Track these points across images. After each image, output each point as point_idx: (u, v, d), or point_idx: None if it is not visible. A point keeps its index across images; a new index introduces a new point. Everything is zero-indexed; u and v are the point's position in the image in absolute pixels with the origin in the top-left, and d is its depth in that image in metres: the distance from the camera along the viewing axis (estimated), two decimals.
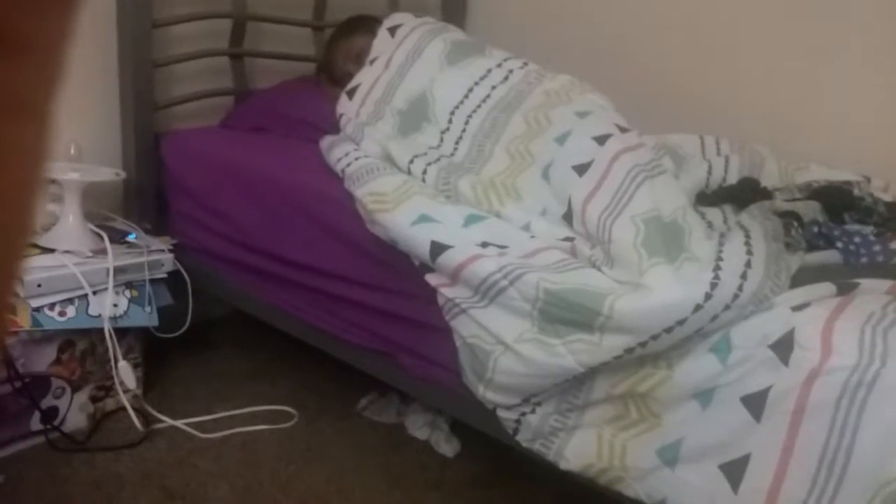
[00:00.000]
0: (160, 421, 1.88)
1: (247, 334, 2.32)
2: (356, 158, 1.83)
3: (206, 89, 2.26)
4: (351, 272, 1.73)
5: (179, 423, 1.88)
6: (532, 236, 1.56)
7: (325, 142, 1.98)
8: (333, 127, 2.05)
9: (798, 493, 1.17)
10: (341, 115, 2.05)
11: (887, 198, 1.77)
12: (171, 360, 2.13)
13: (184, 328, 2.00)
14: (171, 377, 2.09)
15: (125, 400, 1.85)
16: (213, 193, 1.99)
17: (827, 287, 1.33)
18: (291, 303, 1.86)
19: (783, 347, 1.23)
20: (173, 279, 1.97)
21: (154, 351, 2.03)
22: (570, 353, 1.35)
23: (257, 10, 2.27)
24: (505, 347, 1.42)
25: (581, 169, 1.61)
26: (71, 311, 1.76)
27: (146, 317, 1.87)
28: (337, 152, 1.88)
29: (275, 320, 1.94)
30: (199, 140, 2.14)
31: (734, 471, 1.24)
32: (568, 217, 1.58)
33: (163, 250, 1.95)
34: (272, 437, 1.90)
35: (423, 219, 1.57)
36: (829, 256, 1.49)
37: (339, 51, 2.25)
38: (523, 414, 1.45)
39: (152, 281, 1.90)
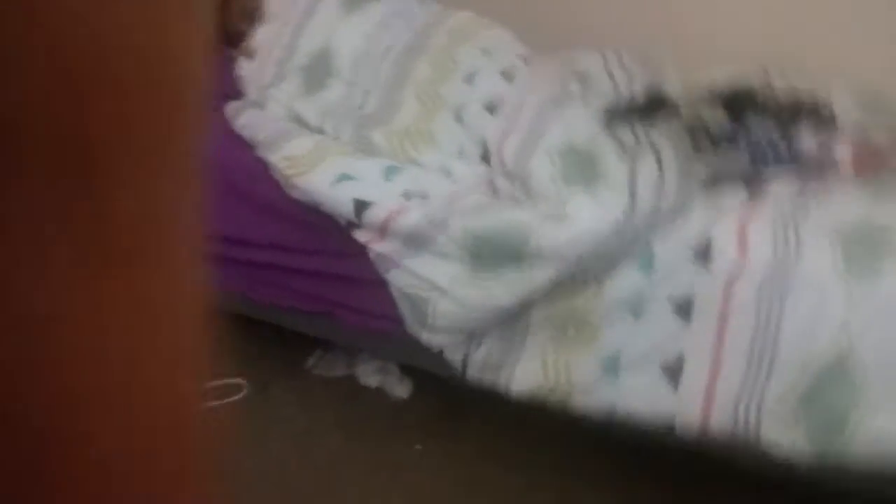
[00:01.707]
0: None
1: None
2: (264, 123, 1.80)
3: None
4: (277, 238, 1.72)
5: None
6: (452, 180, 1.58)
7: (231, 108, 1.94)
8: (235, 91, 2.01)
9: (734, 382, 1.26)
10: (242, 77, 2.01)
11: (786, 92, 1.82)
12: None
13: None
14: None
15: None
16: None
17: (738, 191, 1.40)
18: (224, 278, 1.84)
19: (703, 253, 1.30)
20: None
21: None
22: (504, 288, 1.39)
23: None
24: (441, 292, 1.45)
25: (492, 108, 1.63)
26: None
27: None
28: (243, 118, 1.85)
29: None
30: None
31: (672, 372, 1.32)
32: (485, 157, 1.60)
33: None
34: (227, 410, 1.89)
35: (343, 177, 1.57)
36: (736, 160, 1.55)
37: (232, 10, 2.18)
38: (469, 351, 1.50)
39: None
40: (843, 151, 1.54)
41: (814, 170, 1.49)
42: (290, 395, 1.97)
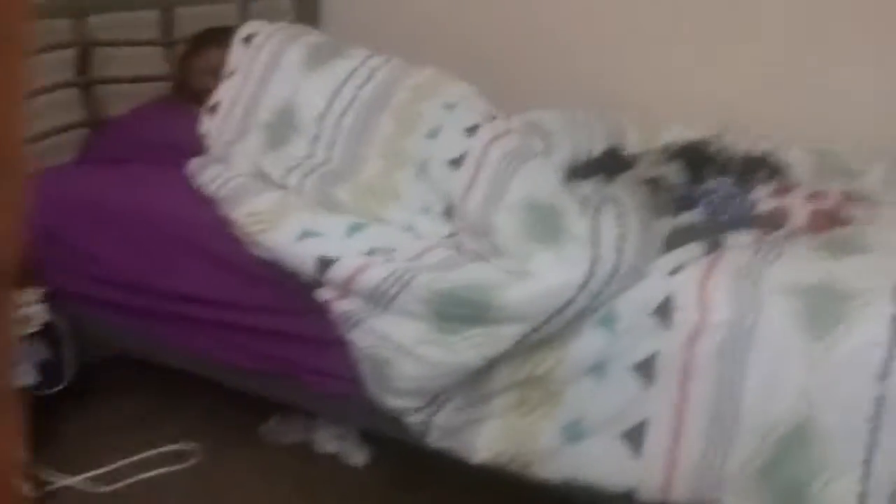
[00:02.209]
0: (55, 482, 1.79)
1: (132, 375, 2.21)
2: (228, 180, 1.79)
3: (56, 125, 2.15)
4: (236, 296, 1.70)
5: (78, 479, 1.79)
6: (417, 236, 1.58)
7: (193, 165, 1.92)
8: (198, 147, 2.00)
9: (695, 450, 1.25)
10: (205, 134, 2.00)
11: (741, 149, 1.86)
12: (56, 413, 2.02)
13: (64, 383, 1.90)
14: (59, 433, 1.97)
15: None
16: (80, 235, 1.90)
17: (696, 248, 1.41)
18: (178, 337, 1.80)
19: (663, 312, 1.30)
20: (47, 329, 1.87)
21: (36, 408, 1.92)
22: (469, 347, 1.38)
23: (101, 34, 2.18)
24: (404, 352, 1.43)
25: (456, 163, 1.63)
26: None
27: (25, 376, 1.78)
28: (207, 175, 1.84)
29: (163, 357, 1.88)
30: (56, 181, 2.04)
31: (634, 437, 1.30)
32: (449, 212, 1.60)
33: (32, 302, 1.86)
34: (177, 477, 1.83)
35: (306, 234, 1.56)
36: (695, 216, 1.57)
37: (193, 67, 2.19)
38: (430, 415, 1.47)
39: (26, 336, 1.81)
40: (799, 207, 1.56)
41: (771, 226, 1.51)
42: (245, 461, 1.92)
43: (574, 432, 1.36)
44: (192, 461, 1.89)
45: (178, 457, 1.90)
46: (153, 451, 1.90)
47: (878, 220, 1.46)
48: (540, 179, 1.55)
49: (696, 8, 2.18)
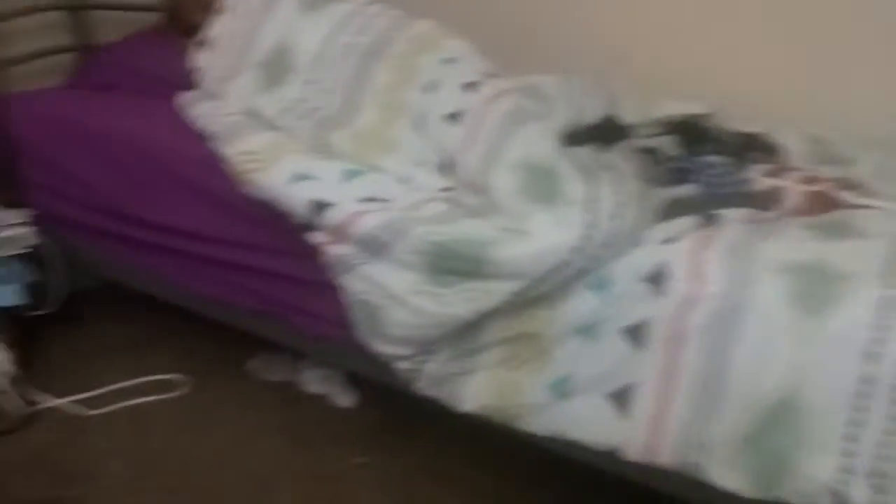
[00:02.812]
0: (41, 402, 1.80)
1: (123, 305, 2.22)
2: (220, 116, 1.77)
3: (45, 47, 2.10)
4: (227, 233, 1.69)
5: (63, 401, 1.80)
6: (413, 188, 1.58)
7: (185, 99, 1.90)
8: (188, 81, 1.97)
9: (681, 415, 1.28)
10: (197, 68, 1.97)
11: (736, 127, 1.89)
12: (47, 338, 2.02)
13: (52, 304, 1.89)
14: (49, 356, 1.99)
15: (2, 382, 1.75)
16: (70, 159, 1.88)
17: (691, 220, 1.43)
18: (168, 269, 1.80)
19: (657, 280, 1.32)
20: (37, 253, 1.86)
21: (27, 330, 1.92)
22: (461, 301, 1.39)
23: None
24: (396, 301, 1.44)
25: (453, 119, 1.63)
26: None
27: (12, 295, 1.77)
28: (199, 110, 1.82)
29: (152, 288, 1.88)
30: (45, 101, 2.00)
31: (621, 399, 1.34)
32: (444, 167, 1.60)
33: (21, 224, 1.83)
34: (163, 407, 1.86)
35: (300, 177, 1.56)
36: (690, 189, 1.59)
37: (187, 0, 2.14)
38: (420, 363, 1.49)
39: (14, 257, 1.79)
40: (793, 189, 1.60)
41: (764, 204, 1.54)
42: (231, 395, 1.94)
43: (561, 390, 1.38)
44: (178, 392, 1.90)
45: (165, 386, 1.91)
46: (140, 380, 1.91)
47: (870, 208, 1.49)
48: (538, 141, 1.56)
49: None
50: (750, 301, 1.25)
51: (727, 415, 1.25)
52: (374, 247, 1.46)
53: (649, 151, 1.68)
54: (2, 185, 1.96)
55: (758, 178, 1.60)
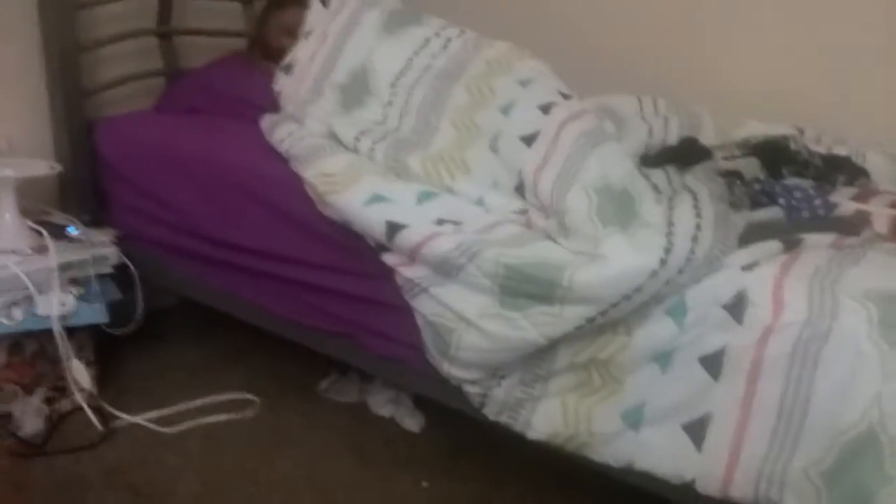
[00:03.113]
0: (119, 418, 1.85)
1: (197, 323, 2.28)
2: (300, 138, 1.80)
3: (135, 72, 2.19)
4: (304, 254, 1.72)
5: (139, 419, 1.85)
6: (486, 210, 1.57)
7: (266, 121, 1.94)
8: (271, 104, 2.01)
9: (759, 447, 1.23)
10: (279, 92, 2.02)
11: (821, 150, 1.82)
12: (124, 355, 2.09)
13: (135, 323, 1.95)
14: (125, 373, 2.05)
15: (81, 400, 1.81)
16: (154, 181, 1.94)
17: (773, 245, 1.38)
18: (244, 289, 1.84)
19: (736, 307, 1.28)
20: (119, 272, 1.92)
21: (105, 347, 1.99)
22: (533, 325, 1.37)
23: None
24: (468, 324, 1.43)
25: (529, 140, 1.62)
26: (17, 313, 1.71)
27: (96, 314, 1.83)
28: (280, 132, 1.85)
29: (228, 307, 1.92)
30: (133, 125, 2.08)
31: (696, 430, 1.29)
32: (520, 189, 1.59)
33: (106, 243, 1.90)
34: (235, 426, 1.89)
35: (376, 198, 1.57)
36: (772, 213, 1.54)
37: (272, 25, 2.20)
38: (489, 388, 1.47)
39: (98, 276, 1.85)
40: (879, 214, 1.53)
41: (849, 230, 1.48)
42: (301, 415, 1.96)
43: (634, 419, 1.35)
44: (250, 411, 1.93)
45: (237, 406, 1.94)
46: (213, 398, 1.95)
47: None
48: (614, 163, 1.53)
49: (787, 8, 2.12)
50: (833, 330, 1.19)
51: (807, 448, 1.20)
52: (447, 269, 1.45)
53: (730, 174, 1.63)
54: (89, 205, 2.05)
55: (843, 202, 1.54)
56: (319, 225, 1.65)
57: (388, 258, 1.54)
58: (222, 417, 1.90)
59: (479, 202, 1.60)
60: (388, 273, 1.55)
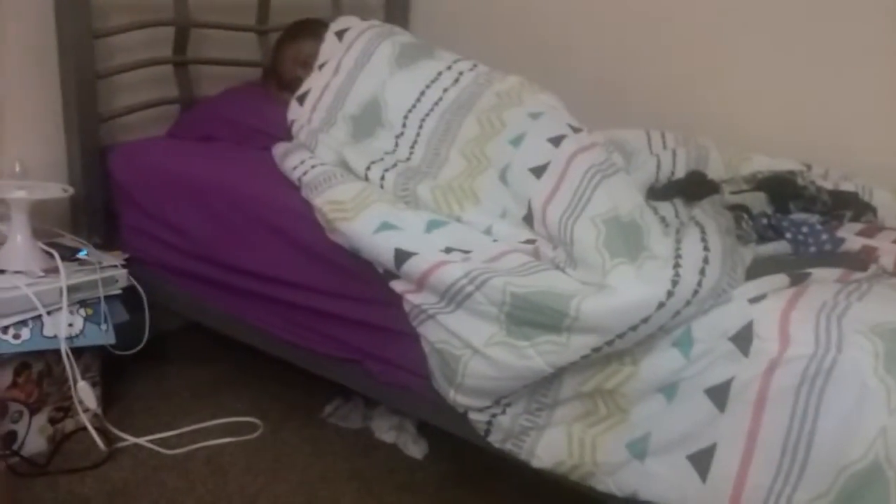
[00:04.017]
0: (123, 439, 1.85)
1: (203, 346, 2.29)
2: (312, 166, 1.82)
3: (150, 99, 2.22)
4: (311, 280, 1.73)
5: (143, 441, 1.85)
6: (494, 240, 1.58)
7: (279, 149, 1.96)
8: (284, 133, 2.04)
9: (764, 479, 1.22)
10: (293, 121, 2.04)
11: (828, 185, 1.84)
12: (129, 376, 2.10)
13: (142, 344, 1.96)
14: (130, 394, 2.06)
15: (86, 420, 1.82)
16: (164, 205, 1.96)
17: (780, 278, 1.38)
18: (251, 313, 1.85)
19: (743, 339, 1.28)
20: (127, 294, 1.93)
21: (111, 368, 1.99)
22: (539, 354, 1.37)
23: (199, 16, 2.24)
24: (474, 351, 1.44)
25: (538, 171, 1.64)
26: (25, 332, 1.72)
27: (103, 335, 1.84)
28: (291, 160, 1.87)
29: (234, 331, 1.93)
30: (146, 151, 2.11)
31: (701, 461, 1.29)
32: (528, 219, 1.60)
33: (116, 266, 1.91)
34: (238, 449, 1.89)
35: (385, 226, 1.58)
36: (779, 247, 1.55)
37: (287, 56, 2.24)
38: (494, 415, 1.47)
39: (107, 297, 1.86)
40: (886, 249, 1.53)
41: (856, 265, 1.48)
42: (304, 440, 1.96)
43: (639, 449, 1.34)
44: (254, 435, 1.93)
45: (241, 429, 1.95)
46: (217, 421, 1.95)
47: None
48: (623, 195, 1.54)
49: (791, 44, 2.15)
50: (839, 364, 1.19)
51: (812, 481, 1.19)
52: (454, 296, 1.46)
53: (738, 208, 1.64)
54: (100, 228, 2.07)
55: (850, 237, 1.55)
56: (328, 251, 1.66)
57: (396, 285, 1.55)
58: (226, 440, 1.90)
59: (488, 231, 1.62)
60: (395, 300, 1.55)
